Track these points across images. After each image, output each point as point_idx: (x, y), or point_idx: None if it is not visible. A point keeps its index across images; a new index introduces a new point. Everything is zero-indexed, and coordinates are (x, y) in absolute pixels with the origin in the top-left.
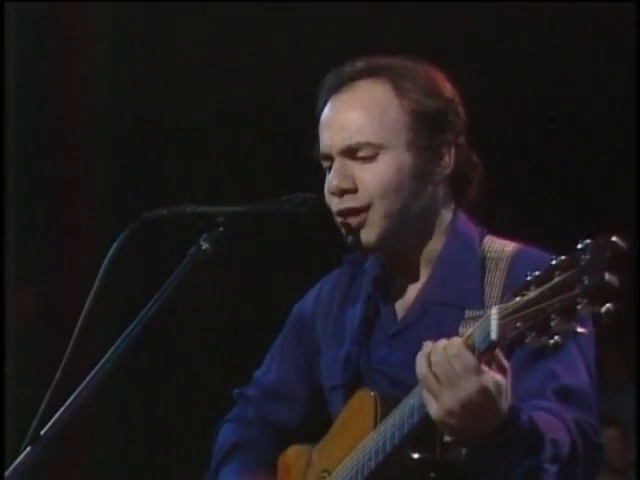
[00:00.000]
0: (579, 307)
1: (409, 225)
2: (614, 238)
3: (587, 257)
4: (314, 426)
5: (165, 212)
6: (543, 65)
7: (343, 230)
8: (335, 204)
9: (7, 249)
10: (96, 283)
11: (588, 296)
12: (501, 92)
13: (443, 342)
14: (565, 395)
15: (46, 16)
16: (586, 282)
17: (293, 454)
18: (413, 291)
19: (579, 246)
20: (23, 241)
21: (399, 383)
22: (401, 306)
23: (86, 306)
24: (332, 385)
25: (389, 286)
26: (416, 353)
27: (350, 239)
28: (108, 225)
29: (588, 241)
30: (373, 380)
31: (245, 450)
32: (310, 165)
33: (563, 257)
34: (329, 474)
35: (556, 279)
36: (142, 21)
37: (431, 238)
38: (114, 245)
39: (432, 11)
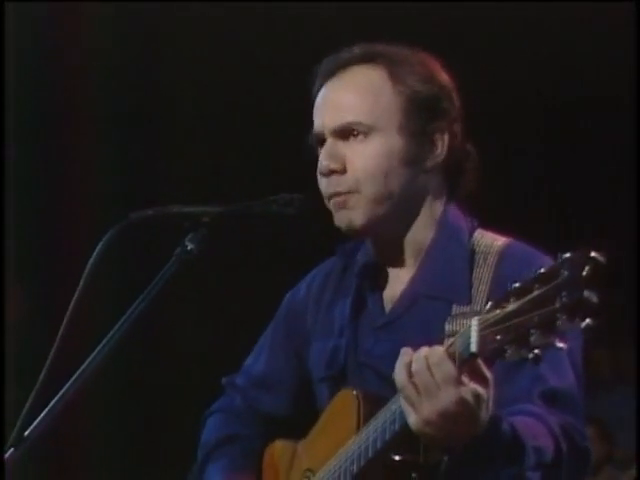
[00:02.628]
0: (558, 322)
1: (397, 211)
2: (593, 254)
3: (565, 272)
4: (305, 417)
5: (151, 212)
6: (542, 65)
7: (332, 210)
8: (324, 186)
9: (7, 249)
10: (81, 283)
11: (567, 312)
12: (500, 92)
13: (425, 350)
14: (552, 398)
15: (46, 16)
16: (564, 298)
17: (279, 448)
18: (401, 282)
19: (558, 260)
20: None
21: (385, 377)
22: (389, 297)
23: (71, 306)
24: (319, 377)
25: (378, 276)
26: (403, 346)
27: (338, 220)
28: (98, 225)
29: (567, 255)
30: (360, 373)
31: (231, 445)
32: (298, 165)
33: (542, 270)
34: (313, 474)
35: (535, 292)
36: (141, 22)
37: (421, 227)
38: (100, 245)
39: (431, 9)
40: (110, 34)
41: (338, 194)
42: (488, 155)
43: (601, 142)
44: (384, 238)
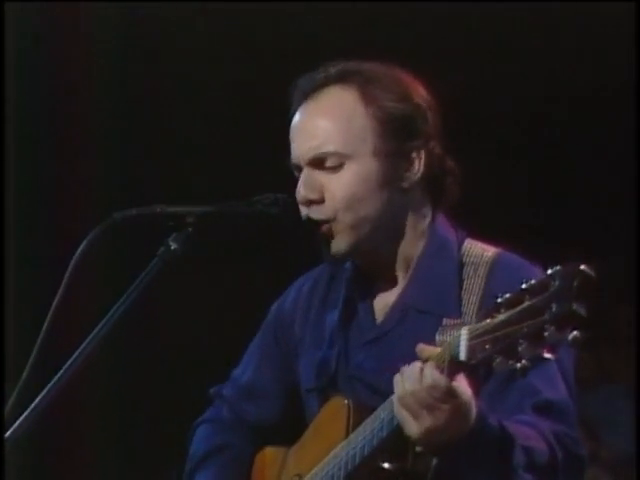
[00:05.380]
0: (546, 334)
1: (379, 232)
2: (582, 267)
3: (556, 284)
4: (293, 426)
5: (134, 212)
6: (541, 64)
7: (317, 238)
8: (304, 214)
9: (7, 249)
10: (64, 282)
11: (555, 323)
12: (500, 92)
13: (416, 369)
14: (544, 409)
15: (46, 16)
16: (554, 309)
17: (269, 455)
18: (392, 295)
19: (549, 272)
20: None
21: (376, 389)
22: (380, 310)
23: (53, 306)
24: (308, 388)
25: (368, 288)
26: (393, 360)
27: (322, 248)
28: (84, 224)
29: (558, 267)
30: (351, 385)
31: (219, 456)
32: (282, 166)
33: (533, 281)
34: (301, 479)
35: (526, 303)
36: (141, 22)
37: (407, 242)
38: (82, 245)
39: (431, 8)
40: (110, 34)
41: (317, 222)
42: (483, 159)
43: (600, 143)
44: (370, 256)
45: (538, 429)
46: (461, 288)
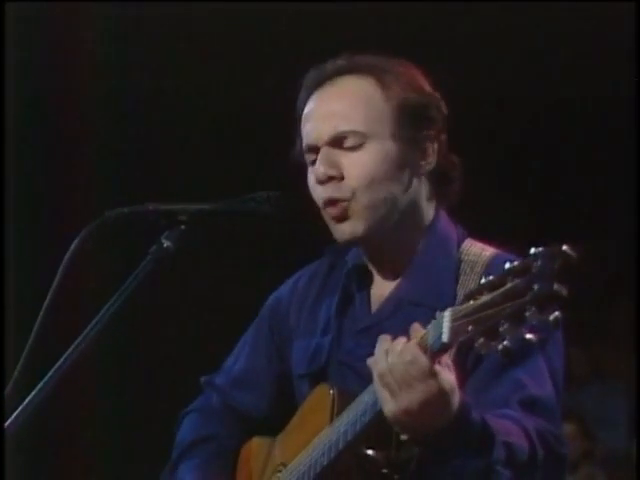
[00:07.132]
0: (527, 314)
1: (394, 217)
2: (564, 247)
3: (538, 265)
4: (284, 416)
5: (127, 210)
6: (541, 65)
7: (329, 221)
8: (319, 193)
9: (7, 248)
10: (56, 281)
11: (536, 304)
12: (500, 92)
13: (399, 345)
14: (530, 405)
15: (46, 16)
16: (535, 290)
17: (255, 446)
18: (389, 287)
19: (531, 252)
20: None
21: (366, 377)
22: (376, 299)
23: (45, 305)
24: (299, 374)
25: (366, 279)
26: None
27: (339, 232)
28: (83, 224)
29: (540, 248)
30: (341, 372)
31: (205, 446)
32: (276, 164)
33: (516, 263)
34: (285, 468)
35: (508, 285)
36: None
37: (412, 234)
38: (74, 243)
39: (431, 9)
40: (110, 34)
41: (335, 201)
42: (483, 159)
43: (600, 143)
44: (379, 242)
45: (521, 425)
46: (457, 283)
